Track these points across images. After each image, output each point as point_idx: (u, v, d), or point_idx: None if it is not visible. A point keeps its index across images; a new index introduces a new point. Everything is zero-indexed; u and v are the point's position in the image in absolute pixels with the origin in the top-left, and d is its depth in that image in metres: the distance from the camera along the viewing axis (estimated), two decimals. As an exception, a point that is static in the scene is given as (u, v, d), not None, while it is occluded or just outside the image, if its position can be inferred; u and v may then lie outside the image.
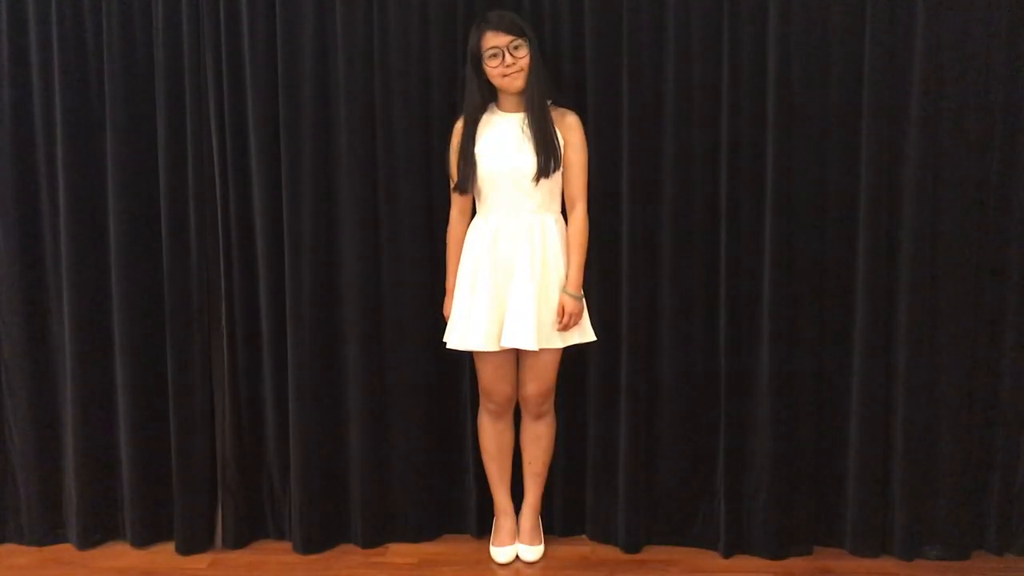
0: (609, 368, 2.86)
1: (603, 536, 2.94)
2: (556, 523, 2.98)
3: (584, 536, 2.97)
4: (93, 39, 2.83)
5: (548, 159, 2.63)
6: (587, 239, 2.71)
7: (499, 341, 2.65)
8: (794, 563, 2.80)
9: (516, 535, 2.88)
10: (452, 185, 2.74)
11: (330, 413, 2.94)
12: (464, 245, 2.75)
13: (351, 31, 2.78)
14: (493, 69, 2.63)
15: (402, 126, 2.83)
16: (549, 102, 2.68)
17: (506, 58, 2.61)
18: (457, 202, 2.77)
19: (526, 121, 2.66)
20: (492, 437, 2.85)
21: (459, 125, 2.72)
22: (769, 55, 2.68)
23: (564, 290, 2.69)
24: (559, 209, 2.74)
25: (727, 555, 2.84)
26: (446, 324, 2.79)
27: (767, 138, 2.71)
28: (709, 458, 2.88)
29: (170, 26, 2.79)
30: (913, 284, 2.73)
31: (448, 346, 2.74)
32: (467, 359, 2.89)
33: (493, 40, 2.61)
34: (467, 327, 2.68)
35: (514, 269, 2.66)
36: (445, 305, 2.82)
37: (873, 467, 2.81)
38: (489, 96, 2.72)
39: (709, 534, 2.89)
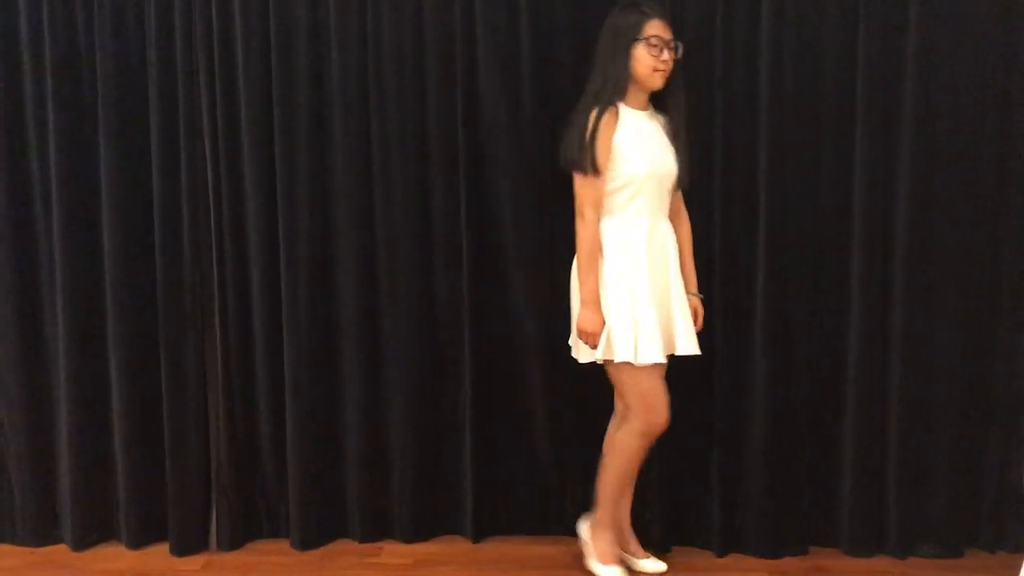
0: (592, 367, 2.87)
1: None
2: (550, 523, 2.99)
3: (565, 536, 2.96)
4: (84, 38, 2.82)
5: (689, 167, 2.59)
6: None
7: (665, 350, 2.52)
8: (789, 562, 2.81)
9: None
10: (598, 179, 2.49)
11: (326, 413, 2.94)
12: (606, 248, 2.52)
13: (345, 30, 2.79)
14: (649, 58, 2.46)
15: (398, 125, 2.83)
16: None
17: (664, 53, 2.48)
18: (597, 201, 2.51)
19: (666, 123, 2.58)
20: (638, 457, 2.62)
21: (604, 114, 2.46)
22: (762, 55, 2.69)
23: (693, 293, 2.68)
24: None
25: (721, 554, 2.84)
26: (592, 337, 2.52)
27: (759, 141, 2.72)
28: (703, 457, 2.88)
29: (162, 25, 2.79)
30: (908, 286, 2.74)
31: (617, 360, 2.49)
32: (468, 362, 2.89)
33: (658, 29, 2.47)
34: (639, 338, 2.47)
35: (669, 274, 2.57)
36: (586, 316, 2.52)
37: (868, 466, 2.81)
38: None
39: (703, 533, 2.89)
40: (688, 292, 2.65)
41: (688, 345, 2.56)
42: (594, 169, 2.47)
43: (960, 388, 2.79)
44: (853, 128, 2.72)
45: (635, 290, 2.49)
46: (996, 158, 2.73)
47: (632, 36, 2.46)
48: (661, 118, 2.59)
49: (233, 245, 2.87)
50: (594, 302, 2.51)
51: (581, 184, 2.50)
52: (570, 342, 2.67)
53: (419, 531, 2.99)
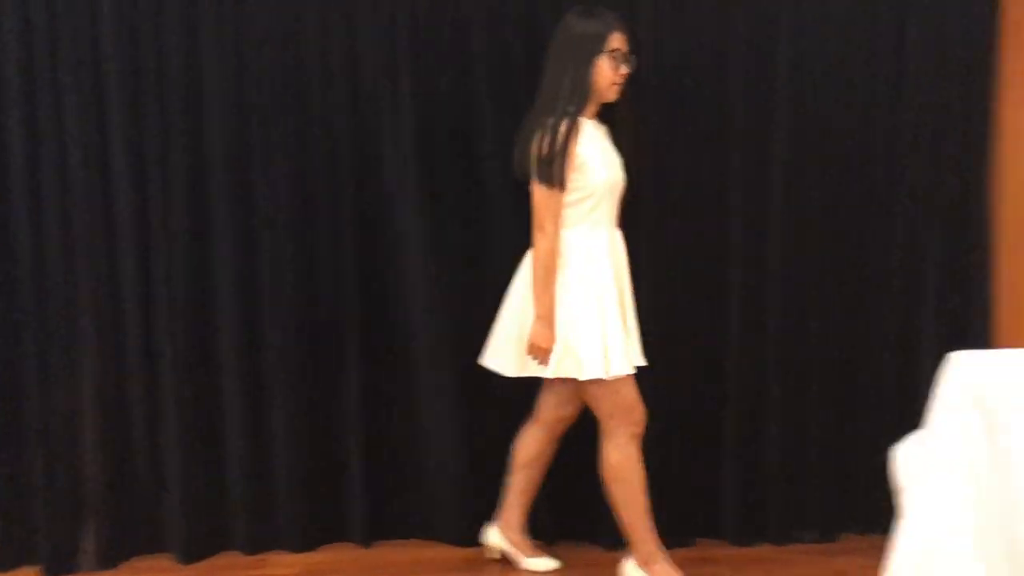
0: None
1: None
2: (440, 527, 2.97)
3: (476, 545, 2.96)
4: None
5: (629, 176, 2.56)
6: None
7: (633, 360, 2.51)
8: (675, 554, 2.86)
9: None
10: (561, 192, 2.41)
11: (207, 420, 2.86)
12: (569, 259, 2.44)
13: (219, 29, 2.72)
14: (610, 71, 2.43)
15: (278, 124, 2.77)
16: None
17: (622, 67, 2.46)
18: (558, 214, 2.42)
19: (609, 134, 2.56)
20: (639, 466, 2.55)
21: (573, 128, 2.40)
22: (642, 62, 2.74)
23: None
24: None
25: (609, 548, 2.87)
26: (544, 354, 2.45)
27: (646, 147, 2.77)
28: (593, 454, 2.91)
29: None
30: (783, 280, 2.85)
31: (585, 377, 2.43)
32: (356, 367, 2.85)
33: (620, 43, 2.44)
34: (609, 351, 2.43)
35: (626, 283, 2.56)
36: (540, 332, 2.43)
37: (748, 458, 2.91)
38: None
39: (593, 528, 2.92)
40: None
41: (638, 357, 2.58)
42: (561, 183, 2.40)
43: (833, 381, 2.91)
44: (729, 131, 2.81)
45: (603, 302, 2.44)
46: (863, 160, 2.86)
47: (597, 47, 2.40)
48: (603, 127, 2.56)
49: (105, 250, 2.76)
50: (550, 317, 2.42)
51: (545, 196, 2.40)
52: (490, 355, 2.63)
53: (307, 540, 2.92)
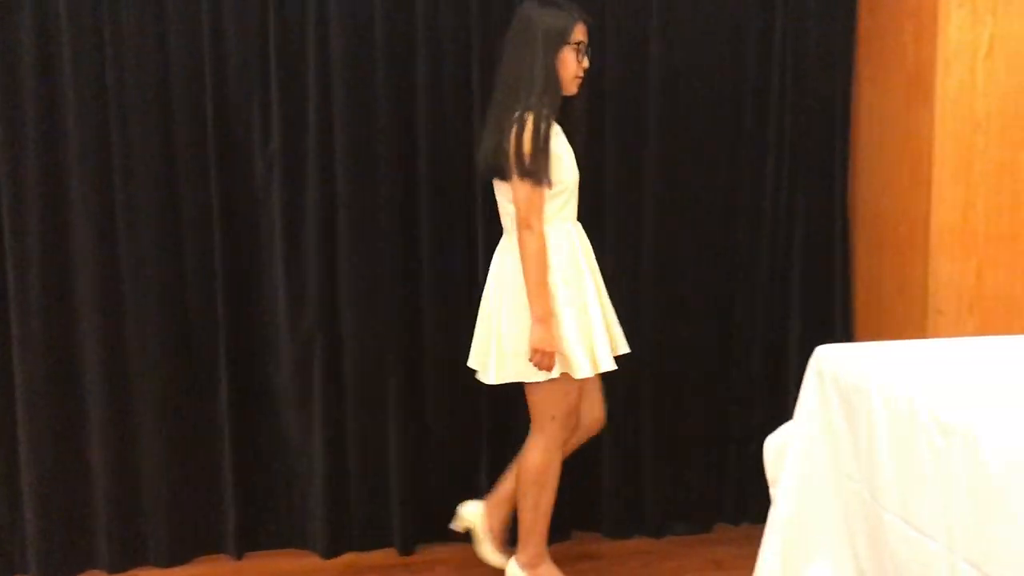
0: (373, 369, 2.83)
1: (377, 541, 2.90)
2: (319, 537, 2.90)
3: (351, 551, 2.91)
4: None
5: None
6: None
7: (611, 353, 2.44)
8: (555, 549, 2.88)
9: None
10: (548, 188, 2.33)
11: (69, 433, 2.71)
12: (552, 257, 2.35)
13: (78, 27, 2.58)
14: (575, 64, 2.35)
15: (140, 125, 2.65)
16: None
17: (584, 60, 2.38)
18: (542, 210, 2.33)
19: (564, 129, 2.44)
20: (558, 473, 2.54)
21: (551, 122, 2.32)
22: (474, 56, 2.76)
23: None
24: None
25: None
26: (548, 358, 2.32)
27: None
28: (473, 457, 2.91)
29: None
30: (657, 279, 2.91)
31: (579, 376, 2.37)
32: (225, 375, 2.76)
33: (583, 35, 2.36)
34: (596, 349, 2.39)
35: (598, 276, 2.50)
36: (542, 335, 2.31)
37: (626, 455, 2.96)
38: None
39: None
40: None
41: (622, 346, 2.55)
42: (548, 179, 2.31)
43: (706, 377, 3.00)
44: (602, 130, 2.85)
45: (584, 298, 2.40)
46: (730, 150, 2.95)
47: (562, 40, 2.32)
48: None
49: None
50: (549, 319, 2.31)
51: (530, 193, 2.30)
52: (476, 361, 2.54)
53: (176, 555, 2.81)
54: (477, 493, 2.88)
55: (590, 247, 2.51)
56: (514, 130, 2.28)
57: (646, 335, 2.91)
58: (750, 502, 3.02)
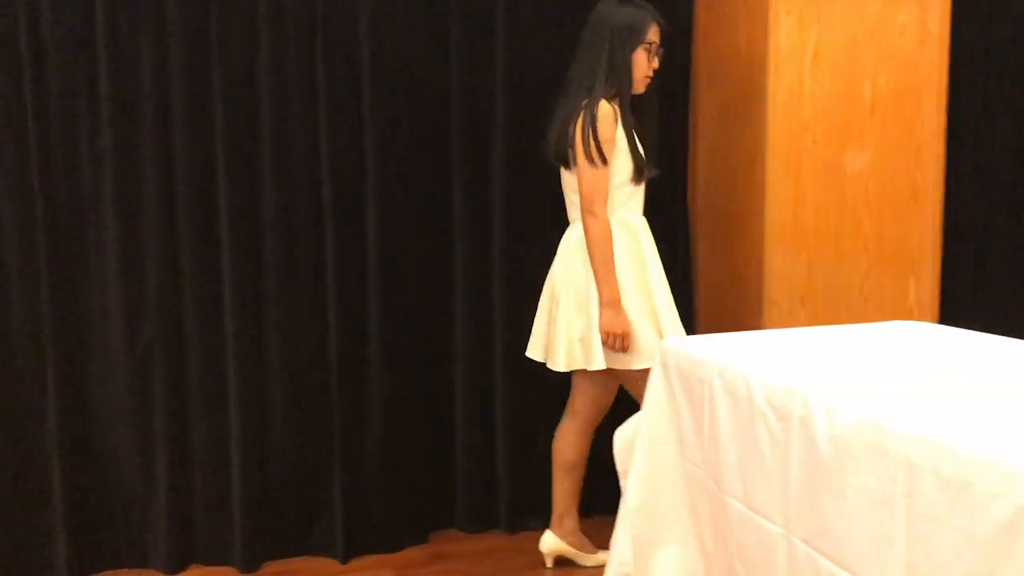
0: (215, 379, 2.71)
1: (219, 559, 2.78)
2: (162, 554, 2.76)
3: (195, 564, 2.78)
4: None
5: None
6: None
7: None
8: (410, 553, 2.86)
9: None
10: (607, 173, 2.39)
11: None
12: (617, 246, 2.42)
13: None
14: (645, 63, 2.43)
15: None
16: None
17: (655, 60, 2.46)
18: (606, 197, 2.41)
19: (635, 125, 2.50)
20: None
21: (611, 109, 2.39)
22: (364, 68, 2.71)
23: None
24: None
25: (345, 560, 2.82)
26: (623, 339, 2.38)
27: (365, 144, 2.75)
28: (325, 465, 2.84)
29: None
30: (506, 278, 2.93)
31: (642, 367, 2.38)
32: (51, 383, 2.58)
33: (656, 35, 2.43)
34: (666, 335, 2.41)
35: (660, 271, 2.52)
36: (611, 318, 2.37)
37: (479, 452, 2.96)
38: None
39: (328, 541, 2.85)
40: None
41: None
42: (605, 162, 2.37)
43: (558, 372, 3.02)
44: (448, 132, 2.84)
45: (650, 286, 2.45)
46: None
47: (638, 38, 2.40)
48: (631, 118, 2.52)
49: None
50: (618, 302, 2.37)
51: (593, 178, 2.36)
52: (539, 352, 2.55)
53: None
54: (324, 507, 2.81)
55: (653, 242, 2.56)
56: (581, 117, 2.37)
57: (497, 335, 2.92)
58: (601, 494, 3.08)
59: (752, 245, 2.78)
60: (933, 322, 2.84)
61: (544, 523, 3.02)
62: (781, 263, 2.71)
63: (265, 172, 2.71)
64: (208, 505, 2.75)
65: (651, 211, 3.01)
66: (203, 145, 2.65)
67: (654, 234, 3.02)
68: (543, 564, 2.77)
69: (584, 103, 2.40)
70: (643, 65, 2.44)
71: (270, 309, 2.75)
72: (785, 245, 2.71)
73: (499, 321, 2.93)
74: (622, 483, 2.03)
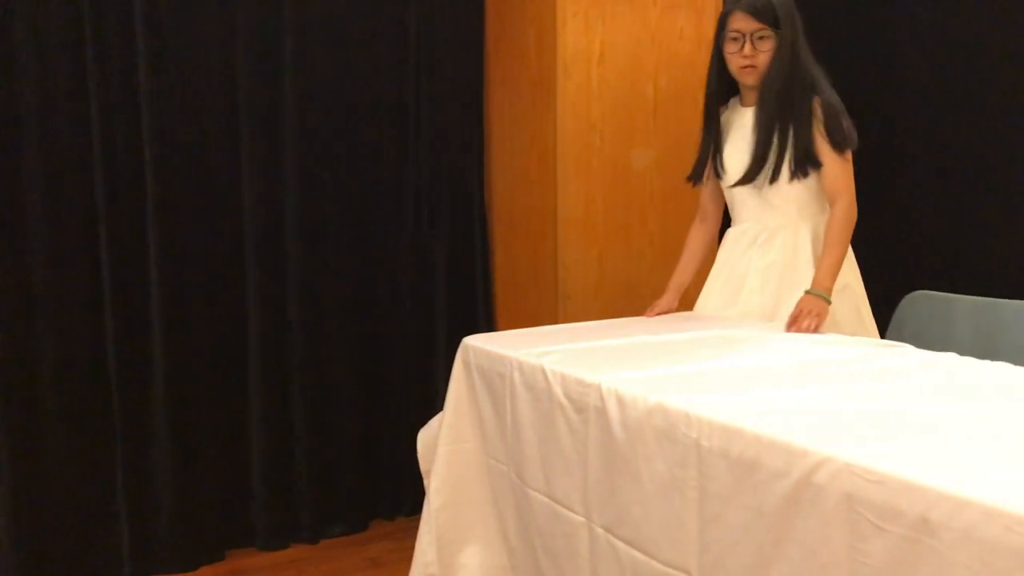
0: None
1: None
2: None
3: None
4: None
5: (758, 165, 2.22)
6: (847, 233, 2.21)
7: None
8: (205, 572, 2.72)
9: None
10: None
11: None
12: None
13: None
14: (730, 55, 2.24)
15: None
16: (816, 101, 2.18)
17: (745, 47, 2.20)
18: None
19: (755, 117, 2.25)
20: None
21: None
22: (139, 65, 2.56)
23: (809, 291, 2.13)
24: (810, 215, 2.26)
25: None
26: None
27: (143, 145, 2.59)
28: (107, 479, 2.64)
29: None
30: (301, 282, 2.83)
31: None
32: None
33: (737, 22, 2.21)
34: None
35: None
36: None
37: (277, 463, 2.85)
38: (729, 85, 2.31)
39: (112, 561, 2.65)
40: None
41: None
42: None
43: (356, 376, 2.97)
44: (239, 132, 2.73)
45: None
46: (371, 153, 2.94)
47: (724, 32, 2.25)
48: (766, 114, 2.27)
49: None
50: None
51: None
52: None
53: None
54: (106, 523, 2.63)
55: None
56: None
57: (294, 338, 2.83)
58: (405, 496, 3.05)
59: (546, 241, 2.84)
60: (714, 311, 3.02)
61: (349, 528, 2.97)
62: (574, 258, 2.79)
63: (36, 172, 2.48)
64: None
65: (449, 209, 3.04)
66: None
67: (450, 233, 3.04)
68: (348, 569, 2.71)
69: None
70: (730, 58, 2.27)
71: (37, 319, 2.53)
72: (578, 241, 2.79)
73: (294, 328, 2.83)
74: (426, 483, 2.01)
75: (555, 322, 2.76)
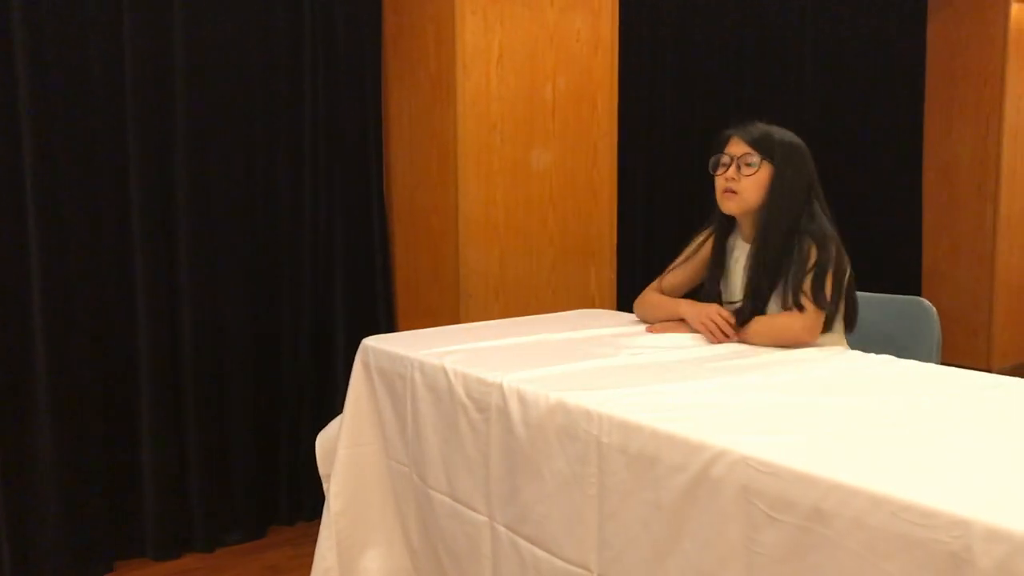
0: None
1: None
2: None
3: None
4: None
5: (752, 306, 2.00)
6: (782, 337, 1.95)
7: None
8: (92, 585, 2.62)
9: None
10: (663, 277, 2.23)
11: None
12: None
13: None
14: (716, 177, 2.10)
15: None
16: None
17: (730, 170, 2.05)
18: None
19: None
20: None
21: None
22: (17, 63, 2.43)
23: None
24: None
25: None
26: None
27: (23, 144, 2.46)
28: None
29: None
30: (193, 283, 2.74)
31: None
32: None
33: (730, 146, 2.09)
34: None
35: None
36: None
37: (169, 469, 2.76)
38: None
39: None
40: None
41: None
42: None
43: (251, 378, 2.90)
44: (125, 138, 2.63)
45: None
46: (267, 151, 2.88)
47: (716, 158, 2.12)
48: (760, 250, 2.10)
49: None
50: None
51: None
52: None
53: None
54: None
55: None
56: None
57: (187, 341, 2.74)
58: (305, 500, 3.00)
59: (447, 241, 2.83)
60: (612, 308, 3.07)
61: (246, 535, 2.90)
62: (475, 258, 2.79)
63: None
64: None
65: (347, 207, 2.99)
66: None
67: (349, 231, 3.00)
68: (243, 579, 2.66)
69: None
70: (718, 179, 2.14)
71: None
72: (478, 240, 2.79)
73: (185, 331, 2.74)
74: (325, 487, 1.98)
75: (457, 321, 2.76)
